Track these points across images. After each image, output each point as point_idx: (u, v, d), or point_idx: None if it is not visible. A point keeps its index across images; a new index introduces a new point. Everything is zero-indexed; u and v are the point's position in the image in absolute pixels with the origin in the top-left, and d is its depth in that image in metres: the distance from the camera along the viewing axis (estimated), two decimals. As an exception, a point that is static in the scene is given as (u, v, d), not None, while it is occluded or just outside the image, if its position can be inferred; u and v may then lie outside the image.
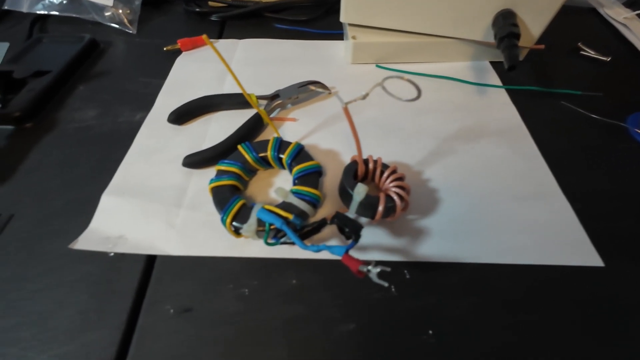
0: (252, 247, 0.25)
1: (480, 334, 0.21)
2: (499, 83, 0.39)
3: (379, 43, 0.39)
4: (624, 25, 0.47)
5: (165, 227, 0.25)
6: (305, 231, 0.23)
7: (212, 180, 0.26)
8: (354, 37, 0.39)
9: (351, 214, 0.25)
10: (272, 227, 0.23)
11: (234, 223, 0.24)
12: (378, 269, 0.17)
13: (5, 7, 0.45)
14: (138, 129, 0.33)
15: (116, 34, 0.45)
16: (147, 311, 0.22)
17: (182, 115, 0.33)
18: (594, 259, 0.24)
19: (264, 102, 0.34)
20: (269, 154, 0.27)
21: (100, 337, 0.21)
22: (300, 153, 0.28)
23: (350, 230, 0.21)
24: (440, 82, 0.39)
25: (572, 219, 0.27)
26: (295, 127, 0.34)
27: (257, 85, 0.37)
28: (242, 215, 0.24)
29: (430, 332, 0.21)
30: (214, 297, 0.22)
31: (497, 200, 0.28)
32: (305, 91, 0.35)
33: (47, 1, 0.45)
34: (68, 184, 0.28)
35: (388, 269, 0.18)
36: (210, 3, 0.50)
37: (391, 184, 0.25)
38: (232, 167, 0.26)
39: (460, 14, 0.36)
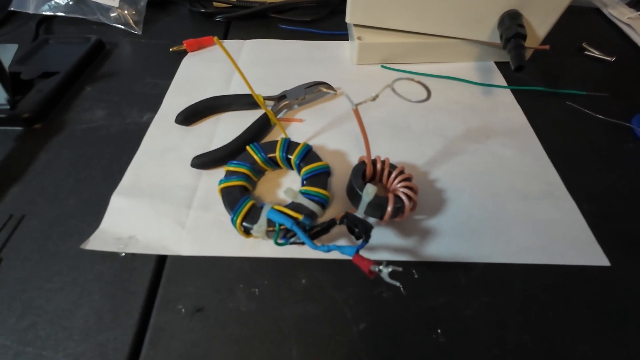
0: (262, 247, 0.25)
1: (491, 333, 0.21)
2: (504, 83, 0.39)
3: (385, 44, 0.39)
4: (628, 25, 0.47)
5: (176, 228, 0.26)
6: (314, 231, 0.23)
7: (221, 181, 0.26)
8: (359, 38, 0.39)
9: (360, 214, 0.25)
10: (282, 227, 0.23)
11: (244, 223, 0.24)
12: (389, 269, 0.18)
13: (12, 8, 0.46)
14: (146, 129, 0.33)
15: (122, 35, 0.45)
16: (160, 311, 0.22)
17: (190, 116, 0.33)
18: (600, 259, 0.25)
19: (271, 103, 0.34)
20: (277, 154, 0.28)
21: (114, 336, 0.21)
22: (309, 154, 0.28)
23: (360, 231, 0.21)
24: (445, 82, 0.39)
25: (579, 219, 0.27)
26: (303, 127, 0.34)
27: (264, 86, 0.37)
28: (252, 216, 0.24)
29: (440, 331, 0.21)
30: (225, 296, 0.23)
31: (504, 200, 0.28)
32: (312, 92, 0.35)
33: (53, 2, 0.45)
34: (79, 184, 0.28)
35: (400, 269, 0.18)
36: (215, 4, 0.50)
37: (399, 185, 0.26)
38: (241, 168, 0.27)
39: (466, 15, 0.36)
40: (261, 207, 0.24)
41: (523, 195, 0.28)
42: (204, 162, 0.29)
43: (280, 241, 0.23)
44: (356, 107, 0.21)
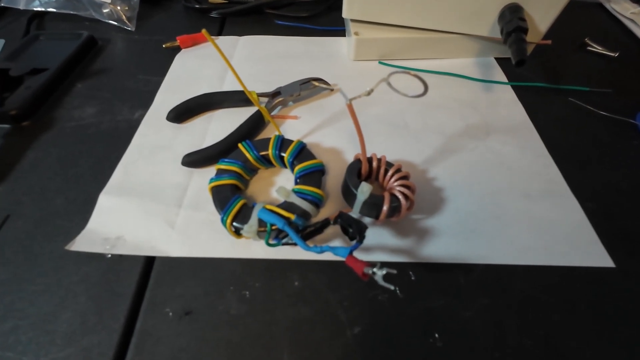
0: (253, 248, 0.24)
1: (490, 337, 0.21)
2: (505, 79, 0.38)
3: (382, 39, 0.38)
4: (631, 20, 0.46)
5: (165, 228, 0.25)
6: (307, 232, 0.22)
7: (212, 180, 0.25)
8: (356, 33, 0.38)
9: (355, 213, 0.24)
10: (273, 227, 0.22)
11: (234, 223, 0.23)
12: (383, 271, 0.17)
13: (2, 4, 0.45)
14: (137, 127, 0.32)
15: (114, 31, 0.44)
16: (147, 314, 0.21)
17: (182, 113, 0.32)
18: (604, 260, 0.24)
19: (265, 99, 0.34)
20: (270, 152, 0.27)
21: (98, 341, 0.20)
22: (302, 151, 0.27)
23: (354, 231, 0.21)
24: (445, 78, 0.38)
25: (582, 218, 0.26)
26: (297, 124, 0.33)
27: (258, 83, 0.37)
28: (242, 216, 0.23)
29: (437, 335, 0.21)
30: (215, 299, 0.22)
31: (504, 199, 0.27)
32: (307, 88, 0.34)
33: (44, -2, 0.44)
34: (66, 183, 0.28)
35: (394, 271, 0.17)
36: (210, 0, 0.49)
37: (396, 183, 0.25)
38: (233, 166, 0.26)
39: (465, 9, 0.35)
40: (252, 207, 0.23)
41: (524, 193, 0.27)
42: (195, 160, 0.28)
43: (272, 242, 0.22)
44: (350, 102, 0.20)
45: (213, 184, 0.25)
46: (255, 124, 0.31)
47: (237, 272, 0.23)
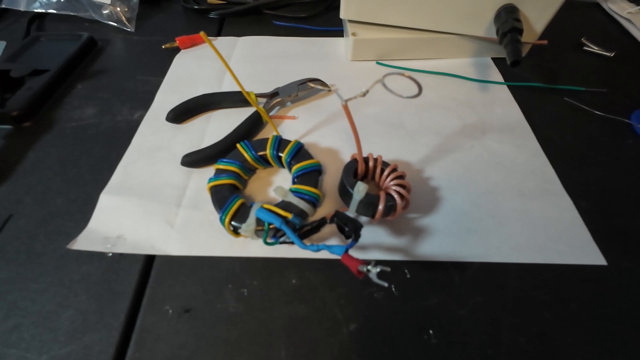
0: (251, 246, 0.25)
1: (484, 334, 0.21)
2: (501, 79, 0.38)
3: (380, 39, 0.38)
4: (628, 20, 0.47)
5: (165, 227, 0.25)
6: (304, 230, 0.23)
7: (210, 180, 0.26)
8: (354, 34, 0.38)
9: (351, 213, 0.24)
10: (271, 226, 0.23)
11: (232, 222, 0.23)
12: (378, 269, 0.17)
13: (3, 6, 0.45)
14: (137, 127, 0.32)
15: (114, 32, 0.45)
16: (146, 312, 0.22)
17: (181, 113, 0.33)
18: (597, 258, 0.24)
19: (264, 100, 0.34)
20: (268, 152, 0.27)
21: (99, 338, 0.20)
22: (300, 151, 0.27)
23: (350, 230, 0.21)
24: (441, 78, 0.38)
25: (576, 217, 0.26)
26: (295, 125, 0.33)
27: (257, 83, 0.37)
28: (241, 215, 0.24)
29: (432, 332, 0.21)
30: (214, 297, 0.22)
31: (499, 197, 0.27)
32: (305, 89, 0.35)
33: (44, -1, 0.45)
34: (67, 183, 0.28)
35: (388, 269, 0.17)
36: (209, 0, 0.50)
37: (391, 182, 0.25)
38: (231, 166, 0.26)
39: (461, 9, 0.35)
40: (251, 206, 0.24)
41: (519, 192, 0.28)
42: (194, 160, 0.29)
43: (269, 240, 0.23)
44: (346, 102, 0.21)
45: (212, 183, 0.25)
46: (254, 124, 0.31)
47: (236, 270, 0.24)
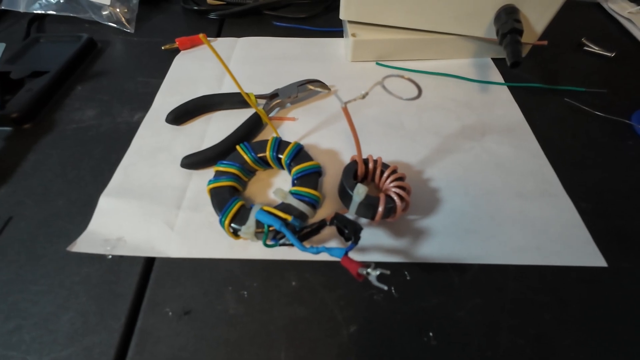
0: (251, 248, 0.25)
1: (484, 336, 0.21)
2: (501, 80, 0.38)
3: (379, 40, 0.38)
4: (629, 20, 0.47)
5: (165, 229, 0.25)
6: (304, 232, 0.23)
7: (210, 182, 0.26)
8: (353, 35, 0.38)
9: (351, 214, 0.25)
10: (271, 228, 0.23)
11: (232, 225, 0.23)
12: (377, 272, 0.17)
13: (2, 7, 0.45)
14: (137, 129, 0.32)
15: (114, 33, 0.45)
16: (147, 314, 0.22)
17: (181, 115, 0.33)
18: (597, 259, 0.24)
19: (263, 101, 0.34)
20: (267, 154, 0.27)
21: (99, 340, 0.21)
22: (300, 153, 0.27)
23: (349, 232, 0.21)
24: (441, 79, 0.38)
25: (575, 218, 0.26)
26: (295, 126, 0.33)
27: (256, 84, 0.37)
28: (240, 217, 0.24)
29: (431, 334, 0.21)
30: (214, 299, 0.22)
31: (499, 199, 0.27)
32: (305, 90, 0.35)
33: (44, 0, 0.45)
34: (67, 185, 0.28)
35: (387, 272, 0.17)
36: (209, 1, 0.50)
37: (391, 184, 0.25)
38: (231, 168, 0.26)
39: (461, 10, 0.35)
40: (250, 208, 0.24)
41: (518, 193, 0.28)
42: (194, 162, 0.29)
43: (269, 242, 0.23)
44: (345, 105, 0.21)
45: (211, 185, 0.25)
46: (253, 125, 0.31)
47: (236, 272, 0.24)
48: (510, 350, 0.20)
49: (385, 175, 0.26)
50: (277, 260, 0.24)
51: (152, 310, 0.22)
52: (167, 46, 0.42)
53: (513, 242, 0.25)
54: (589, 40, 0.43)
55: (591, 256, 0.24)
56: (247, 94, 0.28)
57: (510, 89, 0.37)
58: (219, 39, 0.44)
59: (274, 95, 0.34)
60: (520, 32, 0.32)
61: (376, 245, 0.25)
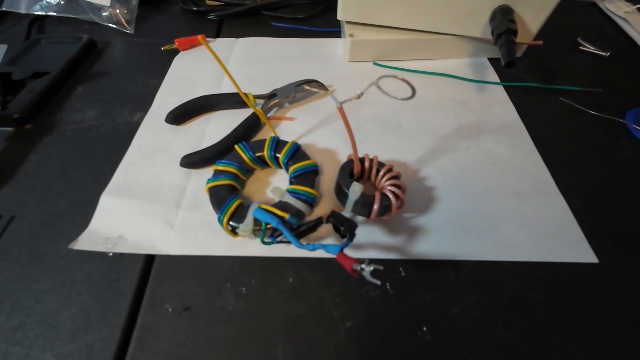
0: (250, 246, 0.25)
1: (478, 332, 0.21)
2: (497, 80, 0.38)
3: (377, 41, 0.39)
4: (624, 19, 0.47)
5: (164, 227, 0.26)
6: (301, 230, 0.23)
7: (209, 180, 0.26)
8: (351, 35, 0.39)
9: (347, 212, 0.25)
10: (268, 226, 0.23)
11: (230, 222, 0.24)
12: (371, 268, 0.18)
13: (3, 9, 0.45)
14: (137, 129, 0.33)
15: (114, 34, 0.45)
16: (147, 310, 0.22)
17: (180, 115, 0.33)
18: (588, 256, 0.24)
19: (262, 101, 0.34)
20: (265, 153, 0.28)
21: (101, 336, 0.21)
22: (297, 152, 0.28)
23: (345, 229, 0.21)
24: (438, 79, 0.39)
25: (569, 216, 0.27)
26: (293, 126, 0.34)
27: (255, 84, 0.37)
28: (239, 215, 0.24)
29: (425, 329, 0.21)
30: (213, 296, 0.23)
31: (495, 197, 0.28)
32: (303, 90, 0.35)
33: (44, 2, 0.45)
34: (69, 185, 0.28)
35: (380, 267, 0.18)
36: (208, 2, 0.50)
37: (387, 183, 0.26)
38: (229, 167, 0.27)
39: (458, 11, 0.36)
40: (248, 207, 0.24)
41: (514, 192, 0.28)
42: (193, 161, 0.29)
43: (267, 240, 0.23)
44: (341, 105, 0.21)
45: (210, 184, 0.26)
46: (252, 125, 0.32)
47: (234, 269, 0.24)
48: (504, 346, 0.21)
49: (381, 173, 0.26)
50: (275, 258, 0.25)
51: (153, 307, 0.22)
52: (167, 47, 0.42)
53: (507, 239, 0.25)
54: (584, 39, 0.43)
55: (583, 253, 0.25)
56: (245, 94, 0.28)
57: (506, 88, 0.37)
58: (218, 39, 0.45)
59: (272, 95, 0.35)
60: (514, 33, 0.32)
61: (372, 242, 0.25)
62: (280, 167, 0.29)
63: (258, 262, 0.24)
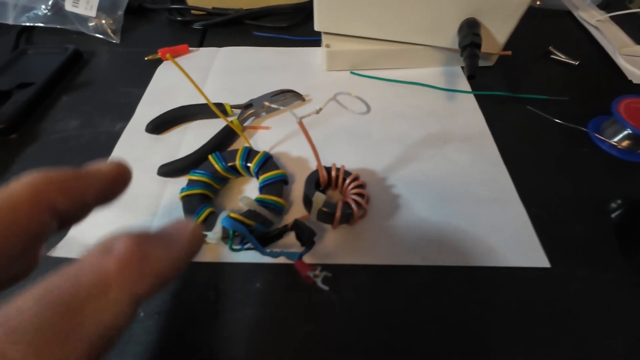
0: (221, 252, 0.26)
1: (432, 336, 0.23)
2: (469, 88, 0.40)
3: (352, 51, 0.40)
4: (596, 28, 0.48)
5: (139, 235, 0.27)
6: (267, 237, 0.24)
7: (182, 190, 0.27)
8: (327, 46, 0.40)
9: (313, 220, 0.26)
10: (236, 234, 0.24)
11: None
12: (323, 274, 0.19)
13: (-8, 20, 0.47)
14: (118, 138, 0.34)
15: (100, 44, 0.46)
16: (119, 314, 0.23)
17: (160, 125, 0.34)
18: (541, 261, 0.26)
19: (239, 111, 0.36)
20: (237, 163, 0.29)
21: (74, 338, 0.22)
22: (267, 162, 0.29)
23: (304, 238, 0.23)
24: (412, 87, 0.40)
25: (526, 223, 0.28)
26: (268, 135, 0.35)
27: (234, 94, 0.38)
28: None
29: (385, 333, 0.23)
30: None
31: (456, 205, 0.29)
32: (279, 100, 0.36)
33: (32, 13, 0.46)
34: (49, 194, 0.30)
35: (329, 274, 0.19)
36: (194, 11, 0.51)
37: (352, 191, 0.27)
38: (202, 177, 0.28)
39: (425, 23, 0.37)
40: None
41: (475, 199, 0.29)
42: (169, 170, 0.30)
43: (235, 247, 0.24)
44: (300, 120, 0.22)
45: (183, 193, 0.27)
46: (227, 135, 0.33)
47: (204, 275, 0.25)
48: (457, 347, 0.22)
49: (347, 182, 0.28)
50: (244, 264, 0.26)
51: (125, 311, 0.23)
52: (150, 57, 0.43)
53: (466, 246, 0.27)
54: (556, 48, 0.45)
55: (537, 258, 0.26)
56: (222, 104, 0.29)
57: (477, 97, 0.39)
58: (201, 49, 0.46)
59: (248, 105, 0.36)
60: (478, 46, 0.34)
61: (337, 248, 0.26)
62: (252, 176, 0.30)
63: (227, 269, 0.26)
